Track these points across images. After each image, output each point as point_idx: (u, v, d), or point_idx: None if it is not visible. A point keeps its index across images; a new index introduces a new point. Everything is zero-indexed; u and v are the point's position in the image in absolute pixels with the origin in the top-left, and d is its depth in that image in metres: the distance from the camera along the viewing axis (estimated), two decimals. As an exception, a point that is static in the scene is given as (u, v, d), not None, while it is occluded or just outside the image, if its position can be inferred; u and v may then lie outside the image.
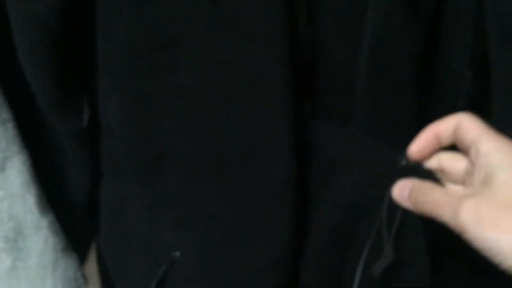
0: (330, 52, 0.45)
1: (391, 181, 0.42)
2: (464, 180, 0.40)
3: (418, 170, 0.42)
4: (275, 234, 0.47)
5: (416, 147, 0.42)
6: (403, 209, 0.41)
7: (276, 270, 0.48)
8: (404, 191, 0.41)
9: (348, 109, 0.46)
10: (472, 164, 0.38)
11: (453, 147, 0.41)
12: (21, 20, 0.43)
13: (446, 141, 0.41)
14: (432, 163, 0.42)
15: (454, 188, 0.41)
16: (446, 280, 0.48)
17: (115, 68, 0.43)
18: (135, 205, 0.51)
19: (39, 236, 0.55)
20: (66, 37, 0.44)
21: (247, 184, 0.46)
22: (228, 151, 0.45)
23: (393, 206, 0.42)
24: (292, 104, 0.43)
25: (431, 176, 0.41)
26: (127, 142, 0.46)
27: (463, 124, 0.38)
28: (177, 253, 0.51)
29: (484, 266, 0.34)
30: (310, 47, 0.44)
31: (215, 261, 0.50)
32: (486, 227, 0.33)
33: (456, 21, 0.44)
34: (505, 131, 0.37)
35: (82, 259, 0.64)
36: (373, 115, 0.45)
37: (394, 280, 0.45)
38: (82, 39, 0.46)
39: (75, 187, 0.56)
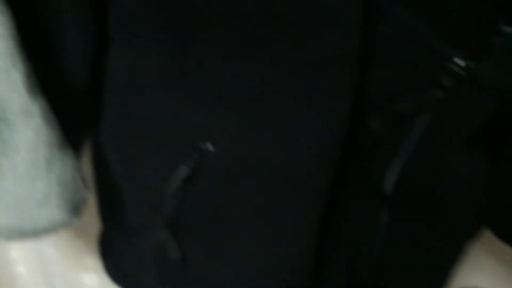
0: None
1: None
2: None
3: None
4: (330, 120, 0.40)
5: None
6: None
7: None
8: None
9: None
10: None
11: None
12: None
13: None
14: None
15: None
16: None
17: None
18: (156, 79, 0.41)
19: (29, 125, 0.43)
20: None
21: (308, 52, 0.37)
22: (290, 7, 0.35)
23: None
24: None
25: None
26: None
27: None
28: (209, 145, 0.41)
29: None
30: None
31: (260, 152, 0.41)
32: None
33: None
34: None
35: (76, 155, 0.53)
36: None
37: None
38: None
39: (73, 58, 0.44)
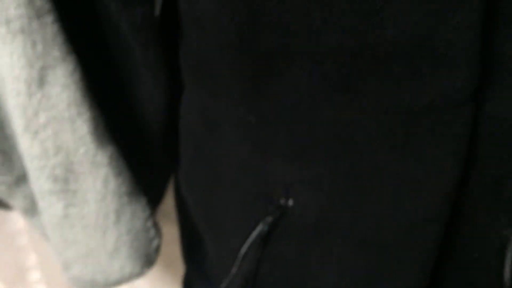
0: None
1: None
2: None
3: None
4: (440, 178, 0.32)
5: None
6: None
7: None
8: None
9: None
10: None
11: None
12: None
13: None
14: None
15: None
16: None
17: None
18: (233, 127, 0.36)
19: (97, 176, 0.41)
20: None
21: (414, 91, 0.30)
22: (397, 35, 0.28)
23: None
24: None
25: None
26: (227, 33, 0.29)
27: None
28: (290, 201, 0.36)
29: None
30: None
31: (358, 208, 0.34)
32: None
33: None
34: None
35: (155, 202, 0.50)
36: None
37: None
38: None
39: (147, 105, 0.40)
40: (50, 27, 0.36)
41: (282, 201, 0.37)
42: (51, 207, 0.41)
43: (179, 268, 0.62)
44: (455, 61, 0.28)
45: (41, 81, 0.36)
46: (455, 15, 0.27)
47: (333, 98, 0.30)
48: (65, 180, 0.40)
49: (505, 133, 0.30)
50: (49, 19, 0.36)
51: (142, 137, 0.44)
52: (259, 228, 0.39)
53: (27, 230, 0.68)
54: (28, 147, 0.38)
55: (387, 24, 0.27)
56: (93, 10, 0.37)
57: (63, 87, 0.37)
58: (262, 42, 0.29)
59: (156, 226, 0.46)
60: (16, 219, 0.67)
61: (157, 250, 0.46)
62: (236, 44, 0.30)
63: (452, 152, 0.30)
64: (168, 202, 0.57)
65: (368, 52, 0.28)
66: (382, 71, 0.28)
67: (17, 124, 0.38)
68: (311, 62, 0.29)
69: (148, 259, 0.46)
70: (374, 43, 0.27)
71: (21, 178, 0.42)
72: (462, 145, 0.30)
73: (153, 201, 0.52)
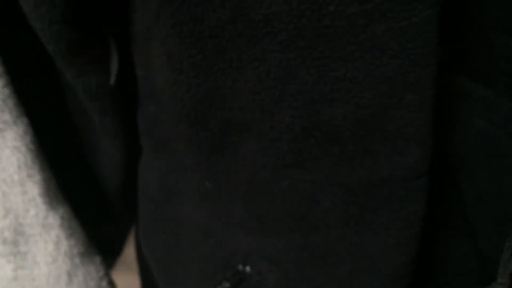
0: None
1: None
2: None
3: None
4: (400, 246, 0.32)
5: None
6: None
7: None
8: None
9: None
10: None
11: None
12: None
13: None
14: None
15: None
16: None
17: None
18: (190, 195, 0.36)
19: (48, 238, 0.40)
20: None
21: (366, 168, 0.30)
22: (348, 116, 0.28)
23: None
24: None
25: None
26: (182, 107, 0.29)
27: None
28: (247, 268, 0.36)
29: None
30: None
31: (313, 281, 0.34)
32: None
33: None
34: None
35: (115, 253, 0.49)
36: None
37: None
38: None
39: (105, 164, 0.40)
40: (0, 91, 0.35)
41: (240, 268, 0.37)
42: (1, 269, 0.40)
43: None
44: (405, 140, 0.29)
45: (-9, 145, 0.35)
46: (405, 97, 0.27)
47: (287, 173, 0.30)
48: (15, 243, 0.39)
49: None
50: (0, 82, 0.35)
51: (101, 192, 0.43)
52: None
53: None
54: (-25, 212, 0.37)
55: (337, 105, 0.27)
56: (52, 74, 0.37)
57: (12, 150, 0.36)
58: (217, 117, 0.29)
59: (111, 284, 0.45)
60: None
61: (112, 308, 0.45)
62: (192, 117, 0.30)
63: (406, 226, 0.31)
64: (129, 251, 0.56)
65: (320, 130, 0.28)
66: (334, 148, 0.29)
67: (-37, 189, 0.36)
68: (266, 139, 0.29)
69: (102, 319, 0.44)
70: (325, 122, 0.28)
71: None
72: (416, 219, 0.31)
73: (113, 252, 0.51)
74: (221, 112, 0.29)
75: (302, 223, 0.32)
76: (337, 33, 0.26)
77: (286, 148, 0.29)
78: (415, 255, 0.32)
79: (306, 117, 0.28)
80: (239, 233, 0.36)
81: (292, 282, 0.35)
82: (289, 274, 0.34)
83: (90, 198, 0.44)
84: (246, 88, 0.27)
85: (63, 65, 0.31)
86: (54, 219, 0.39)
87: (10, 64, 0.35)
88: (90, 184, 0.43)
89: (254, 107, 0.28)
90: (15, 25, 0.32)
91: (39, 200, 0.38)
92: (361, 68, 0.27)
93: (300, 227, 0.32)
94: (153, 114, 0.33)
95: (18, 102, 0.36)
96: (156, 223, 0.42)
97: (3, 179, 0.37)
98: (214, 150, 0.31)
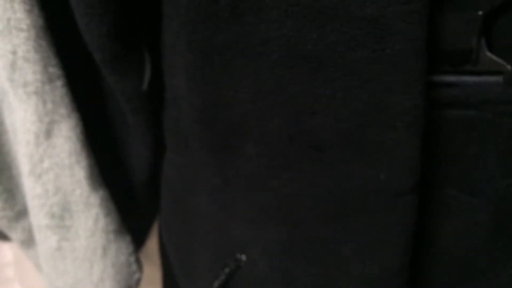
0: None
1: None
2: None
3: None
4: (386, 249, 0.35)
5: None
6: None
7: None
8: None
9: None
10: None
11: None
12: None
13: None
14: None
15: None
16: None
17: (182, 15, 0.33)
18: (203, 189, 0.42)
19: (89, 215, 0.47)
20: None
21: (348, 177, 0.34)
22: (327, 128, 0.33)
23: None
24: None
25: None
26: (196, 111, 0.36)
27: None
28: (243, 256, 0.41)
29: None
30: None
31: (293, 272, 0.39)
32: None
33: None
34: None
35: (138, 243, 0.56)
36: None
37: None
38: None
39: (136, 160, 0.47)
40: (59, 90, 0.43)
41: (237, 256, 0.42)
42: (46, 240, 0.48)
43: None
44: (378, 157, 0.32)
45: (48, 134, 0.43)
46: (379, 118, 0.31)
47: (277, 173, 0.35)
48: (61, 217, 0.47)
49: None
50: (59, 83, 0.43)
51: (130, 185, 0.50)
52: (220, 278, 0.45)
53: (14, 262, 0.74)
54: (31, 188, 0.45)
55: (318, 117, 0.32)
56: (96, 77, 0.44)
57: (66, 139, 0.44)
58: (223, 121, 0.35)
59: (138, 261, 0.52)
60: (4, 253, 0.73)
61: (138, 282, 0.52)
62: (202, 120, 0.36)
63: (379, 236, 0.34)
64: (150, 245, 0.63)
65: (303, 138, 0.33)
66: (315, 155, 0.33)
67: (23, 167, 0.45)
68: (260, 142, 0.35)
69: (128, 290, 0.51)
70: (307, 131, 0.33)
71: (22, 214, 0.49)
72: (396, 233, 0.34)
73: (137, 242, 0.58)
74: (225, 117, 0.35)
75: (288, 218, 0.36)
76: (319, 56, 0.31)
77: (276, 151, 0.34)
78: (394, 266, 0.35)
79: (292, 126, 0.33)
80: (241, 224, 0.41)
81: (277, 272, 0.39)
82: (275, 263, 0.38)
83: (121, 188, 0.51)
84: (245, 97, 0.34)
85: (107, 71, 0.38)
86: (95, 199, 0.47)
87: (67, 69, 0.43)
88: (120, 176, 0.51)
89: (251, 114, 0.34)
90: (72, 39, 0.40)
91: (84, 182, 0.46)
92: (339, 88, 0.31)
93: (286, 222, 0.37)
94: (175, 117, 0.40)
95: (72, 99, 0.44)
96: (175, 213, 0.48)
97: (56, 163, 0.45)
98: (221, 149, 0.37)
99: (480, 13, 0.30)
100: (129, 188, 0.50)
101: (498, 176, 0.33)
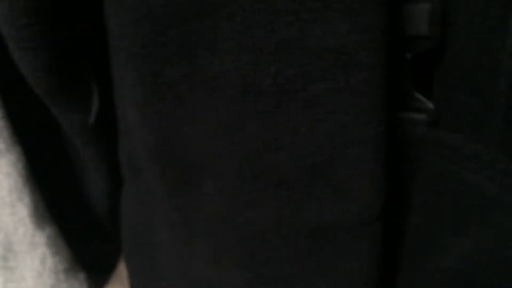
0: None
1: None
2: None
3: None
4: (360, 277, 0.34)
5: None
6: None
7: None
8: None
9: (481, 115, 0.31)
10: None
11: None
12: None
13: None
14: None
15: None
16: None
17: (128, 47, 0.30)
18: (162, 223, 0.39)
19: (34, 254, 0.43)
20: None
21: (318, 212, 0.32)
22: (293, 164, 0.31)
23: None
24: (387, 104, 0.29)
25: None
26: (149, 147, 0.33)
27: None
28: None
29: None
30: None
31: None
32: None
33: None
34: None
35: (107, 271, 0.53)
36: None
37: None
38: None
39: (94, 191, 0.44)
40: (-4, 122, 0.39)
41: None
42: (-10, 282, 0.44)
43: None
44: (349, 190, 0.30)
45: (-15, 171, 0.39)
46: (346, 150, 0.30)
47: (241, 211, 0.33)
48: (4, 258, 0.43)
49: None
50: (-4, 115, 0.39)
51: (90, 214, 0.47)
52: None
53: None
54: (-32, 230, 0.41)
55: (282, 153, 0.30)
56: (42, 107, 0.41)
57: (5, 175, 0.40)
58: (180, 157, 0.33)
59: (92, 299, 0.49)
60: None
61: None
62: (156, 156, 0.33)
63: (354, 270, 0.33)
64: (122, 267, 0.59)
65: (267, 175, 0.31)
66: (281, 192, 0.31)
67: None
68: (220, 179, 0.32)
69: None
70: (271, 168, 0.31)
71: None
72: (365, 263, 0.32)
73: (106, 269, 0.55)
74: (183, 153, 0.33)
75: (254, 259, 0.34)
76: (279, 90, 0.29)
77: (238, 189, 0.32)
78: None
79: (254, 163, 0.31)
80: (204, 264, 0.39)
81: None
82: None
83: (80, 218, 0.48)
84: (201, 134, 0.31)
85: (49, 104, 0.35)
86: (40, 238, 0.43)
87: (6, 98, 0.39)
88: (80, 206, 0.47)
89: (209, 151, 0.32)
90: (11, 65, 0.37)
91: (27, 220, 0.42)
92: (303, 122, 0.29)
93: (252, 262, 0.34)
94: (127, 149, 0.37)
95: (13, 132, 0.40)
96: (135, 248, 0.45)
97: (-4, 201, 0.41)
98: (178, 185, 0.35)
99: (409, 56, 0.31)
100: (89, 217, 0.47)
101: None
